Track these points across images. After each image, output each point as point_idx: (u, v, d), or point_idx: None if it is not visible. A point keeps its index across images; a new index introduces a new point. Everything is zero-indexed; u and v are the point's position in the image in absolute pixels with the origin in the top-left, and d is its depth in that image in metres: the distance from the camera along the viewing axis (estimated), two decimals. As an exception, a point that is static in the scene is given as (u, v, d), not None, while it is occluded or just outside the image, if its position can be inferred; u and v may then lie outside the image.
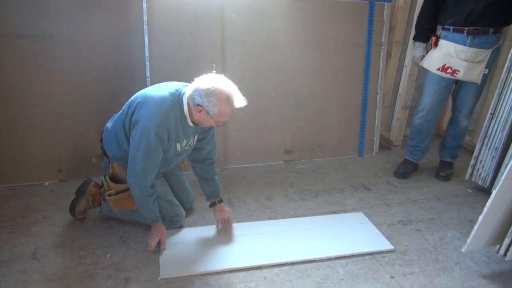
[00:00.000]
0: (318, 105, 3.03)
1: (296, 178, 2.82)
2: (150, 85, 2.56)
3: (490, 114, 2.49)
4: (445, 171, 2.86)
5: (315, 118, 3.05)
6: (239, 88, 1.83)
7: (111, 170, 2.02)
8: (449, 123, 2.81)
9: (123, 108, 1.95)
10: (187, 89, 1.84)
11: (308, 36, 2.86)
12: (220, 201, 2.17)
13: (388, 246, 2.08)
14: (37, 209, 2.28)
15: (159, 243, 1.94)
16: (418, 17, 2.67)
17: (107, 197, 2.00)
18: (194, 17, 2.56)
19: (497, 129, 2.46)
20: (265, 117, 2.93)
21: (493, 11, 2.32)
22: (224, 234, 2.12)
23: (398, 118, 3.27)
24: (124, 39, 2.50)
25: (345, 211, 2.41)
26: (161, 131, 1.78)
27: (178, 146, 1.95)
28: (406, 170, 2.89)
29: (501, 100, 2.42)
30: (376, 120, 3.20)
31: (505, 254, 1.88)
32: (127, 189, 1.94)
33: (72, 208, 2.14)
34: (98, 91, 2.53)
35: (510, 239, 1.84)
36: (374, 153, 3.27)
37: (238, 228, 2.17)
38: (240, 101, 1.81)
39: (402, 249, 2.07)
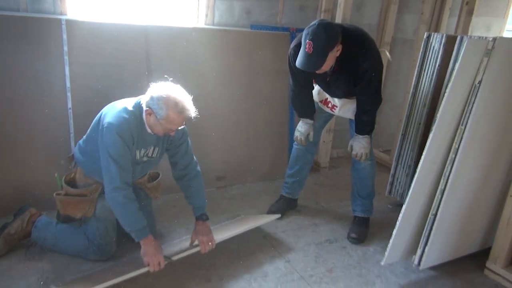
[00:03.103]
0: (247, 131, 3.12)
1: (228, 204, 2.85)
2: (73, 116, 2.50)
3: (402, 134, 2.72)
4: (356, 230, 2.46)
5: (245, 145, 3.13)
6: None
7: (72, 174, 2.06)
8: (351, 166, 2.57)
9: (92, 124, 2.02)
10: (145, 96, 1.91)
11: (234, 65, 2.96)
12: (199, 218, 2.11)
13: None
14: None
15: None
16: (292, 101, 2.51)
17: (55, 195, 1.97)
18: (118, 48, 2.56)
19: (408, 148, 2.69)
20: (195, 146, 2.93)
21: (349, 96, 2.30)
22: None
23: (324, 141, 3.44)
24: (43, 71, 2.41)
25: (275, 233, 2.48)
26: (124, 133, 1.83)
27: (137, 154, 1.98)
28: (281, 207, 2.70)
29: (410, 122, 2.67)
30: (304, 144, 3.34)
31: (419, 263, 2.04)
32: (78, 195, 1.97)
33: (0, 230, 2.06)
34: (17, 124, 2.39)
35: (421, 249, 2.00)
36: (303, 176, 3.39)
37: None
38: (189, 111, 1.88)
39: (328, 266, 2.16)
